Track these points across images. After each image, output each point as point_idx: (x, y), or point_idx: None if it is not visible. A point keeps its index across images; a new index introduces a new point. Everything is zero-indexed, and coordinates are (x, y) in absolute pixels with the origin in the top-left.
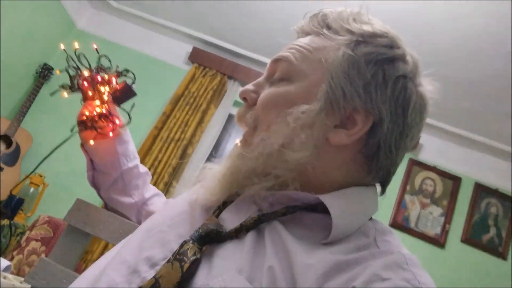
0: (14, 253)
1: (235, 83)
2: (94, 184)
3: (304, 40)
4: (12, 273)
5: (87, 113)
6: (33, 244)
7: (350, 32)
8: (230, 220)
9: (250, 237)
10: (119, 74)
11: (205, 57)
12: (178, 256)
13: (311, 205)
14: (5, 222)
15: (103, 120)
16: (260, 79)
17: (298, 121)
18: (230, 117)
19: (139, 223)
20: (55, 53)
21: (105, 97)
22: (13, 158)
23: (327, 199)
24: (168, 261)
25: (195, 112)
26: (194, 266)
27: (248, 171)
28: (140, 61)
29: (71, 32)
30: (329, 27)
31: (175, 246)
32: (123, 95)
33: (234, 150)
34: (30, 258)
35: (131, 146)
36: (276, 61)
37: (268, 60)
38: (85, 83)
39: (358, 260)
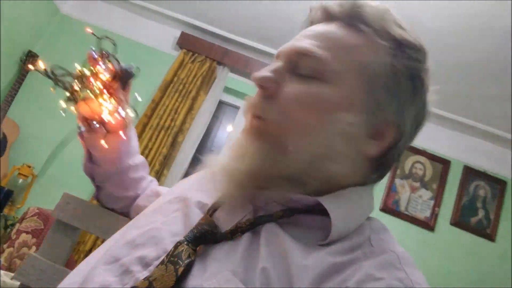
0: (5, 246)
1: (225, 69)
2: (90, 174)
3: (335, 31)
4: (3, 266)
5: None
6: (24, 237)
7: (391, 37)
8: (225, 219)
9: (245, 238)
10: (108, 57)
11: (194, 42)
12: (172, 258)
13: (308, 207)
14: None
15: (111, 118)
16: (279, 66)
17: (343, 131)
18: (220, 103)
19: (127, 213)
20: (39, 40)
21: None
22: (0, 148)
23: (327, 202)
24: (162, 263)
25: (184, 99)
26: (188, 268)
27: (277, 175)
28: (127, 47)
29: (55, 17)
30: (367, 23)
31: (168, 245)
32: (122, 81)
33: (251, 146)
34: (21, 251)
35: (134, 141)
36: (301, 54)
37: (258, 45)
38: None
39: (352, 260)
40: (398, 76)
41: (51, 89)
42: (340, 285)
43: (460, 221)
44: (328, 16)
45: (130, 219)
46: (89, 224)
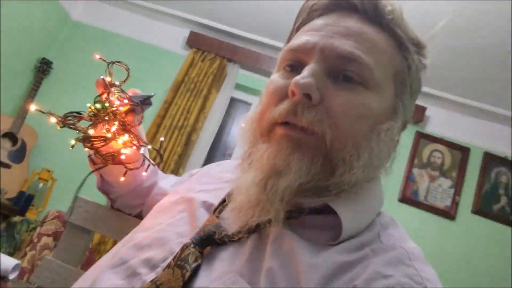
0: (27, 249)
1: (235, 65)
2: (103, 191)
3: (370, 33)
4: (26, 269)
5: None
6: (45, 240)
7: (412, 40)
8: (231, 220)
9: (252, 239)
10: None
11: (203, 41)
12: (179, 262)
13: (316, 208)
14: (17, 218)
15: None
16: (317, 70)
17: (390, 139)
18: (232, 100)
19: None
20: (52, 47)
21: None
22: (19, 155)
23: (337, 203)
24: (168, 266)
25: (196, 98)
26: (195, 271)
27: (320, 186)
28: (138, 49)
29: (67, 24)
30: (397, 25)
31: (175, 247)
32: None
33: (298, 161)
34: (43, 253)
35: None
36: (347, 58)
37: (267, 41)
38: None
39: (360, 258)
40: (417, 79)
41: (58, 127)
42: (348, 283)
43: (481, 208)
44: (344, 5)
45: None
46: (101, 226)
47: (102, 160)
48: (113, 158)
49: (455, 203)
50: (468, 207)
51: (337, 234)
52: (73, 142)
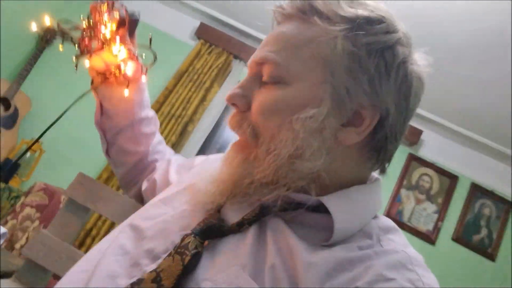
0: (8, 217)
1: (241, 63)
2: (101, 127)
3: (289, 31)
4: (6, 239)
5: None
6: (28, 210)
7: (344, 19)
8: (231, 214)
9: (252, 231)
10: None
11: (212, 33)
12: (179, 249)
13: (313, 205)
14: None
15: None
16: (246, 80)
17: (306, 128)
18: None
19: (133, 176)
20: (59, 18)
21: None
22: (11, 121)
23: (329, 201)
24: (169, 255)
25: (198, 89)
26: (195, 259)
27: (254, 181)
28: (145, 33)
29: None
30: (318, 13)
31: (176, 239)
32: (129, 27)
33: (234, 157)
34: (24, 224)
35: (146, 93)
36: (260, 63)
37: None
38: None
39: (361, 258)
40: (360, 56)
41: (60, 46)
42: (350, 284)
43: (462, 237)
44: (284, 16)
45: (143, 197)
46: (101, 206)
47: (102, 78)
48: (111, 72)
49: (437, 228)
50: (449, 234)
51: (330, 235)
52: (74, 59)
